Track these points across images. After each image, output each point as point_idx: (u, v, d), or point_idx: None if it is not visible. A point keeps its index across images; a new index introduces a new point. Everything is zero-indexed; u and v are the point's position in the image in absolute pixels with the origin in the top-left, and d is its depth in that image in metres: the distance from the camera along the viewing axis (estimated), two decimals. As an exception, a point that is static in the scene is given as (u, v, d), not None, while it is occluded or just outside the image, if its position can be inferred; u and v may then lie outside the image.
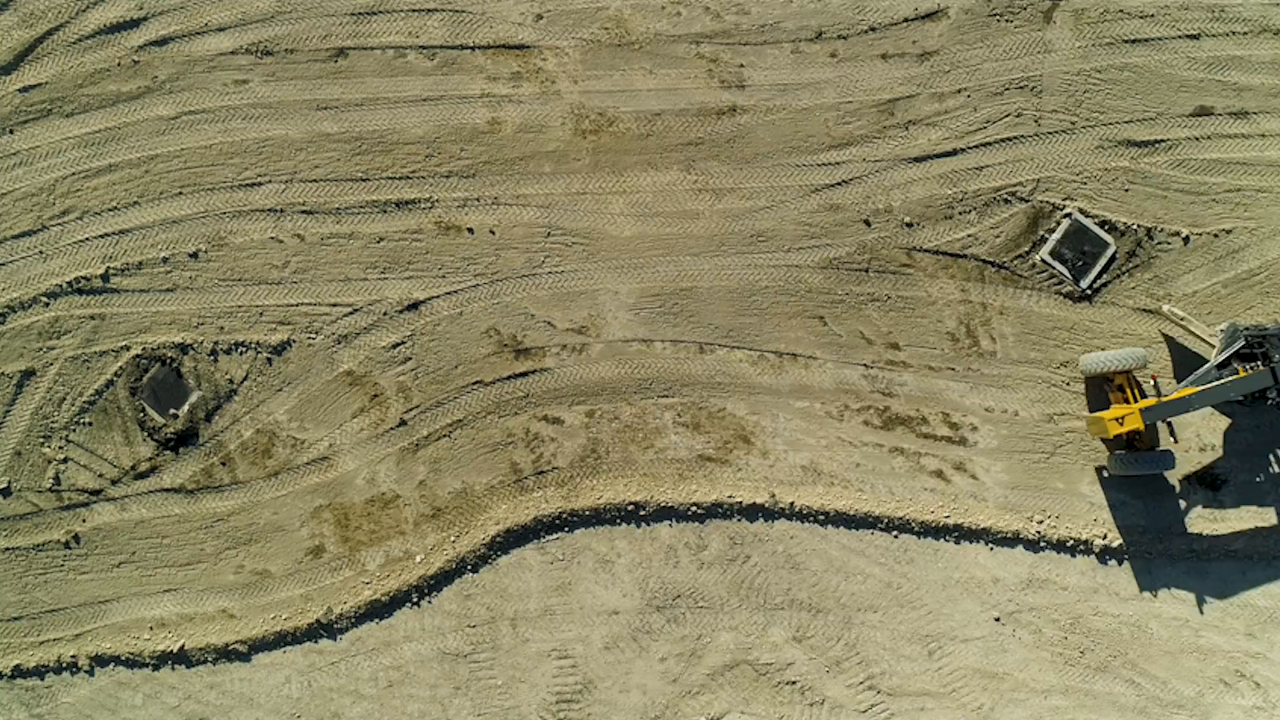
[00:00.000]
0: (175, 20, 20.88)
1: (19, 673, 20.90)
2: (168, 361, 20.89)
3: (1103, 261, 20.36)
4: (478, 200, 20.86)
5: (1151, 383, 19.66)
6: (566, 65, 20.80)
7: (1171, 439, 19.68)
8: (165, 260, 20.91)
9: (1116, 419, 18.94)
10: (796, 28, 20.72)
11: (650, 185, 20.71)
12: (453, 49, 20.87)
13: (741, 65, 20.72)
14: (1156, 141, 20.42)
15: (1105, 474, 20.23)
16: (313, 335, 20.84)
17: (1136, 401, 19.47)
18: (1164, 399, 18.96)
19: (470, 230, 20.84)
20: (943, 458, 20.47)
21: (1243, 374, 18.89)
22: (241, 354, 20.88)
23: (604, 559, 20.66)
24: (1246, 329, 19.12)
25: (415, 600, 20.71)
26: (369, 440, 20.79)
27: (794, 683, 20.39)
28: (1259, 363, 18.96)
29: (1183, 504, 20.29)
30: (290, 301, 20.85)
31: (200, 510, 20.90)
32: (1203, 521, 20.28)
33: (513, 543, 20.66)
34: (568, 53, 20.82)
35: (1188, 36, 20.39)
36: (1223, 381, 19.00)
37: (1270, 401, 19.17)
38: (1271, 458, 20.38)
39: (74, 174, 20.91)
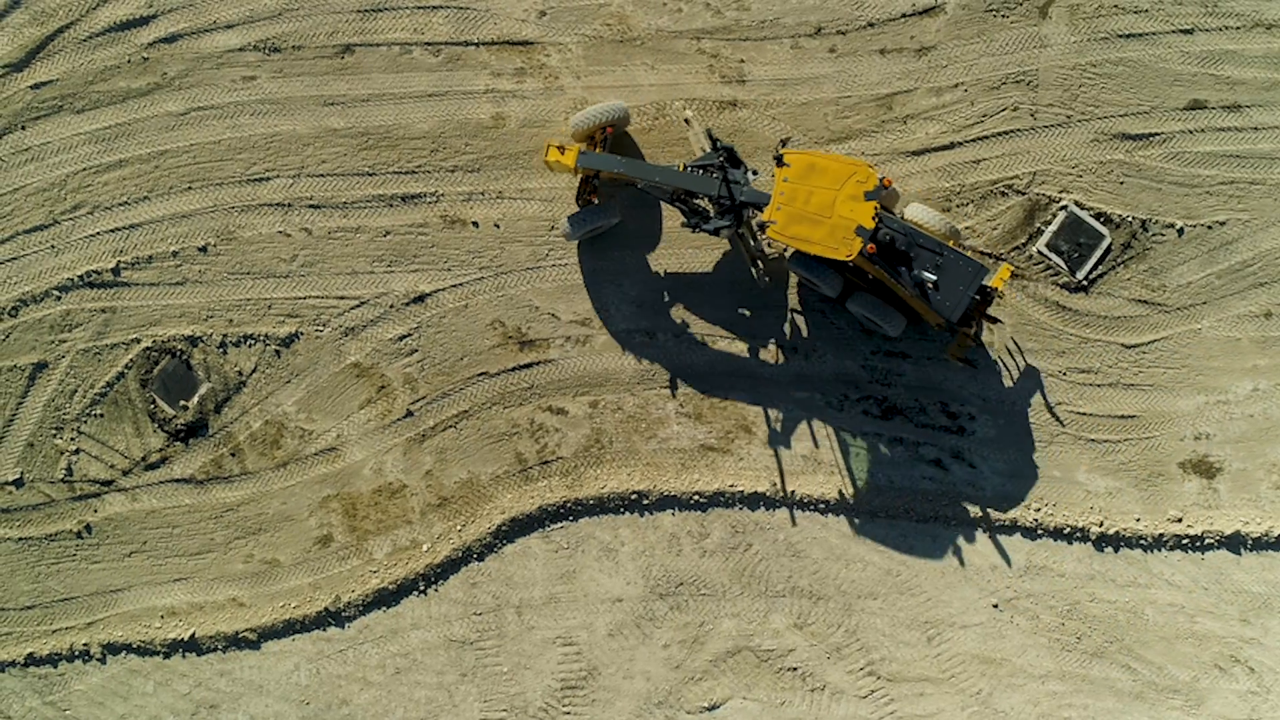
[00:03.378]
0: (184, 17, 21.17)
1: (32, 661, 21.22)
2: (177, 354, 21.19)
3: (1098, 253, 20.64)
4: (482, 194, 21.15)
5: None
6: (569, 61, 21.09)
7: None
8: (175, 254, 21.21)
9: (558, 147, 19.43)
10: (796, 23, 20.99)
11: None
12: (457, 45, 21.15)
13: (742, 60, 21.00)
14: (1151, 135, 20.69)
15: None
16: (320, 328, 21.13)
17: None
18: (604, 154, 19.49)
19: (475, 224, 21.13)
20: (941, 446, 20.76)
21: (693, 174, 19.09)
22: (250, 346, 21.18)
23: (608, 547, 20.95)
24: (720, 145, 19.17)
25: (422, 588, 21.00)
26: (376, 431, 21.08)
27: (795, 669, 20.67)
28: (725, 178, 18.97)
29: (1177, 491, 20.57)
30: (298, 294, 21.15)
31: (210, 500, 21.20)
32: (1197, 509, 20.56)
33: (518, 531, 20.95)
34: (570, 48, 21.10)
35: (1181, 31, 20.65)
36: (663, 165, 19.47)
37: (691, 221, 19.34)
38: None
39: (85, 169, 21.21)
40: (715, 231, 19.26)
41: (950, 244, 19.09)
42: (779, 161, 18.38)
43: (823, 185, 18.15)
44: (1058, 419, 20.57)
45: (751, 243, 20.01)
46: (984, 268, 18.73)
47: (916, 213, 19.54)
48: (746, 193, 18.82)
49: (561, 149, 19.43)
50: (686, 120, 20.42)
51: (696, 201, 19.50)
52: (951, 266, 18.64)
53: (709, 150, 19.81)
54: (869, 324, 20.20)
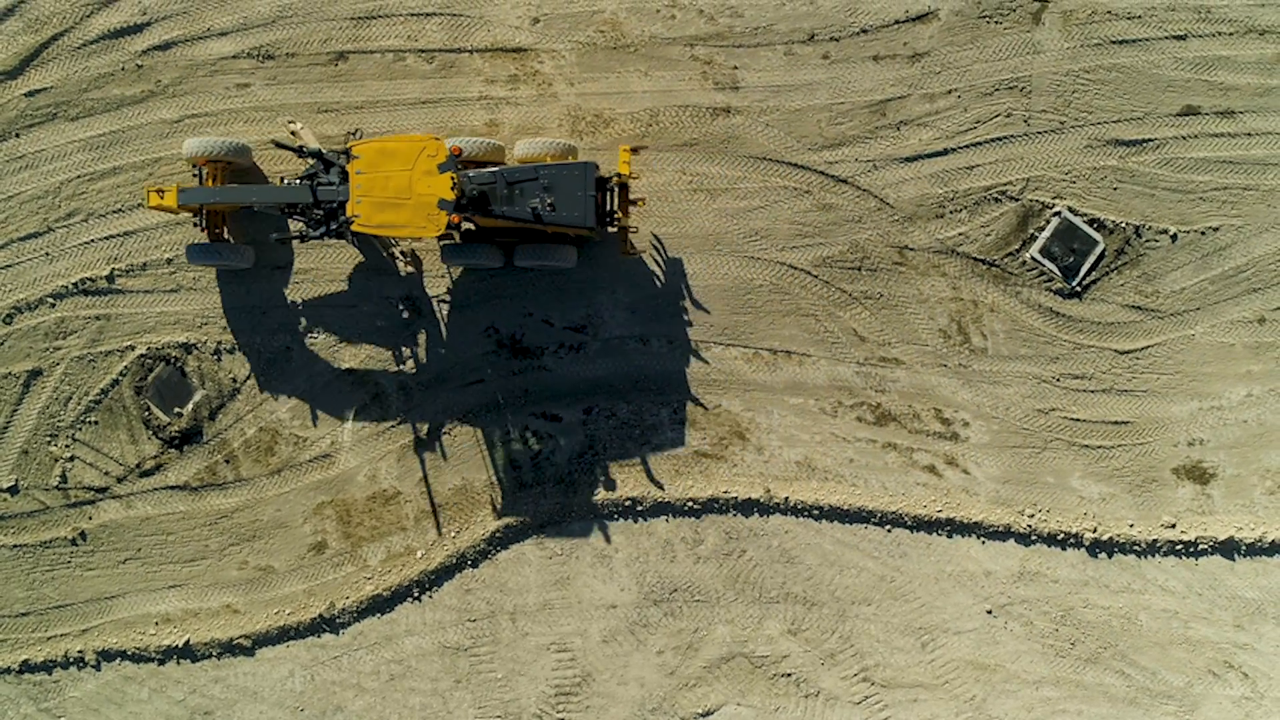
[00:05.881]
0: (178, 25, 21.18)
1: (27, 668, 21.26)
2: (172, 361, 21.21)
3: (1092, 259, 20.64)
4: (476, 201, 21.14)
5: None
6: (563, 68, 21.10)
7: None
8: (169, 261, 21.22)
9: (158, 191, 19.42)
10: (789, 30, 21.00)
11: (646, 186, 20.99)
12: (451, 52, 21.16)
13: (735, 67, 21.00)
14: (1144, 141, 20.69)
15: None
16: (315, 334, 21.14)
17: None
18: (201, 188, 19.65)
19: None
20: (935, 453, 20.77)
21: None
22: (244, 353, 21.19)
23: (601, 554, 20.97)
24: (307, 151, 19.20)
25: (416, 595, 21.03)
26: (370, 438, 21.10)
27: (789, 675, 20.69)
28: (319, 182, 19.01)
29: (1171, 497, 20.58)
30: (292, 300, 21.15)
31: (204, 507, 21.23)
32: (1191, 515, 20.57)
33: (512, 538, 20.97)
34: (564, 55, 21.11)
35: (1174, 37, 20.65)
36: (259, 185, 19.71)
37: (304, 232, 19.15)
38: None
39: (79, 177, 21.22)
40: (335, 236, 18.95)
41: (555, 160, 19.20)
42: (348, 155, 18.44)
43: (396, 168, 18.19)
44: (1052, 424, 20.59)
45: (387, 239, 20.16)
46: (591, 164, 18.80)
47: (525, 149, 19.66)
48: (341, 191, 18.80)
49: (161, 192, 19.47)
50: (293, 133, 20.45)
51: (318, 212, 19.19)
52: (559, 180, 18.66)
53: (311, 160, 19.64)
54: (545, 268, 20.40)
